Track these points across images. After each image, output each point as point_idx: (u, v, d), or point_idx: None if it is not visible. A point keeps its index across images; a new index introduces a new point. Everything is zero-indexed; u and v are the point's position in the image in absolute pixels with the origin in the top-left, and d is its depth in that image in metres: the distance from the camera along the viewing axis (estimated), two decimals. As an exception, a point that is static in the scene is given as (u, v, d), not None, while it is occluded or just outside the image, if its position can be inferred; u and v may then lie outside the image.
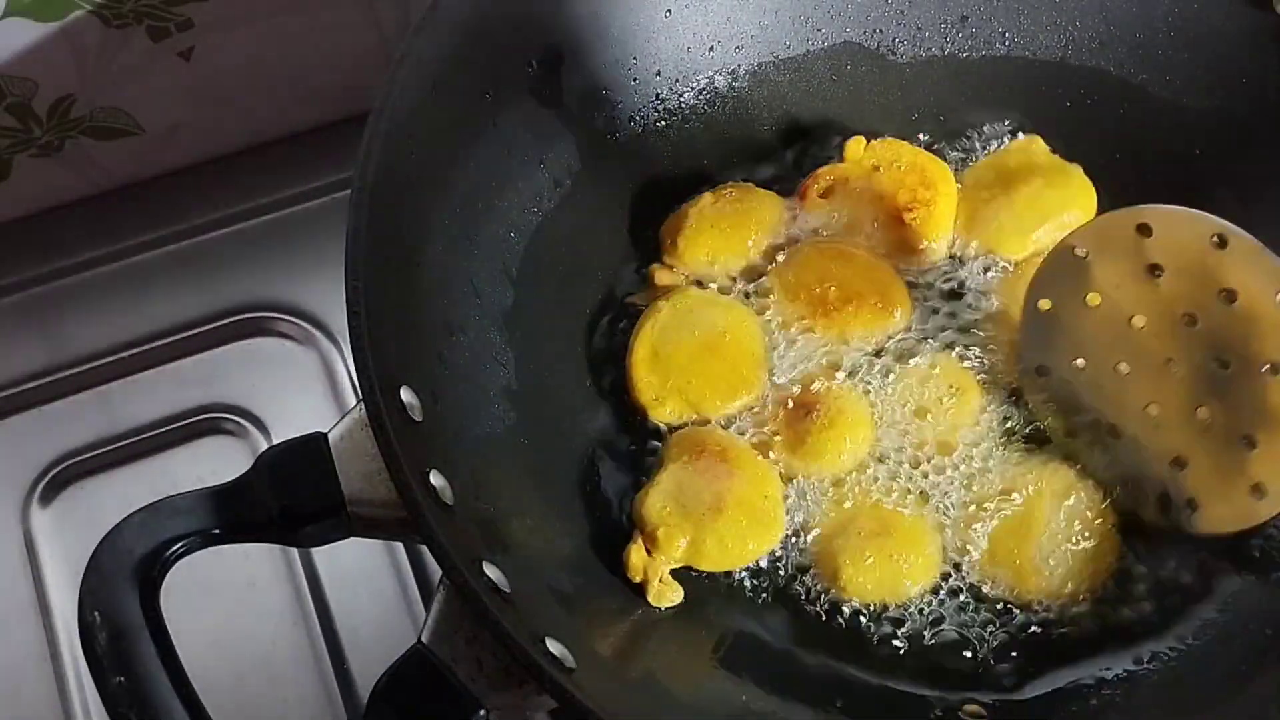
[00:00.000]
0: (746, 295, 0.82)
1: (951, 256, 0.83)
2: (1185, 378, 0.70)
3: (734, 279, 0.82)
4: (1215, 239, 0.67)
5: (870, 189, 0.83)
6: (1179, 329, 0.70)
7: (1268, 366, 0.67)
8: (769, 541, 0.74)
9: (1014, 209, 0.82)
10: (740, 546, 0.73)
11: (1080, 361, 0.74)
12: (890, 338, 0.80)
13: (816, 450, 0.75)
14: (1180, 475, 0.72)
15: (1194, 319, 0.69)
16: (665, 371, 0.78)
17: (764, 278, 0.82)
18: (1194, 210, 0.68)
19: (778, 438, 0.76)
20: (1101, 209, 0.83)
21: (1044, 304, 0.75)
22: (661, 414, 0.78)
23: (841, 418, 0.76)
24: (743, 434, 0.77)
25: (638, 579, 0.72)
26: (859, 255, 0.82)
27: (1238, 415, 0.69)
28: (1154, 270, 0.70)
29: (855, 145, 0.84)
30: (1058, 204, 0.82)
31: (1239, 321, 0.68)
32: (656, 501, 0.73)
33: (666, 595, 0.72)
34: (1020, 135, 0.86)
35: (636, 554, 0.72)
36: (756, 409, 0.78)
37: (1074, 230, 0.74)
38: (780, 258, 0.82)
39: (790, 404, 0.77)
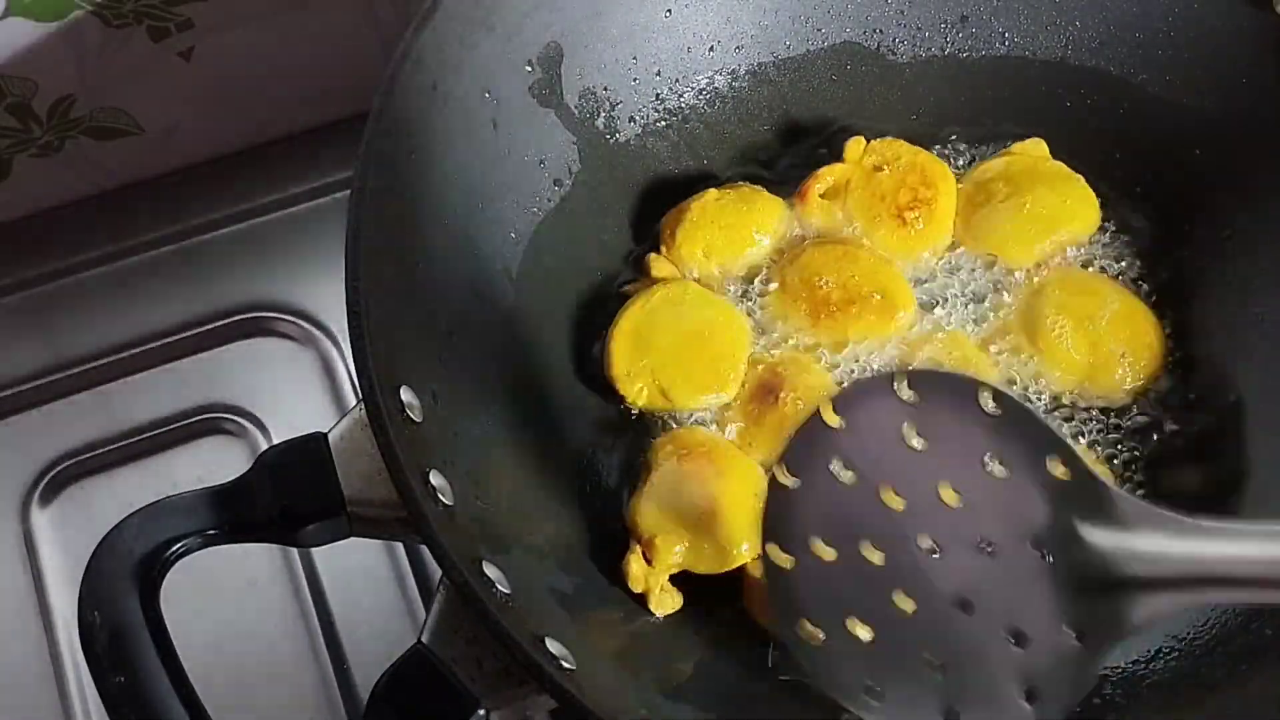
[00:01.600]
0: (745, 294, 0.82)
1: (952, 249, 0.83)
2: (948, 564, 0.60)
3: (729, 277, 0.82)
4: (984, 404, 0.58)
5: (871, 189, 0.83)
6: (942, 508, 0.60)
7: (1036, 545, 0.58)
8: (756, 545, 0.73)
9: (1018, 217, 0.81)
10: (735, 548, 0.72)
11: (828, 547, 0.63)
12: (891, 341, 0.79)
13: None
14: (941, 681, 0.61)
15: (959, 494, 0.59)
16: (643, 351, 0.78)
17: (765, 274, 0.82)
18: (959, 373, 0.64)
19: (753, 434, 0.76)
20: (1102, 209, 0.83)
21: (790, 480, 0.63)
22: (630, 390, 0.78)
23: (811, 395, 0.75)
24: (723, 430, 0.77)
25: (639, 589, 0.72)
26: (863, 255, 0.81)
27: (1005, 605, 0.59)
28: (916, 440, 0.60)
29: (855, 145, 0.84)
30: (1064, 216, 0.82)
31: (1008, 498, 0.58)
32: (650, 509, 0.73)
33: (667, 603, 0.72)
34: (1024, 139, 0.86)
35: (636, 564, 0.72)
36: (728, 409, 0.78)
37: (827, 396, 0.63)
38: (773, 285, 0.82)
39: (757, 394, 0.77)
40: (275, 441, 0.78)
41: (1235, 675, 0.70)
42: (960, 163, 0.87)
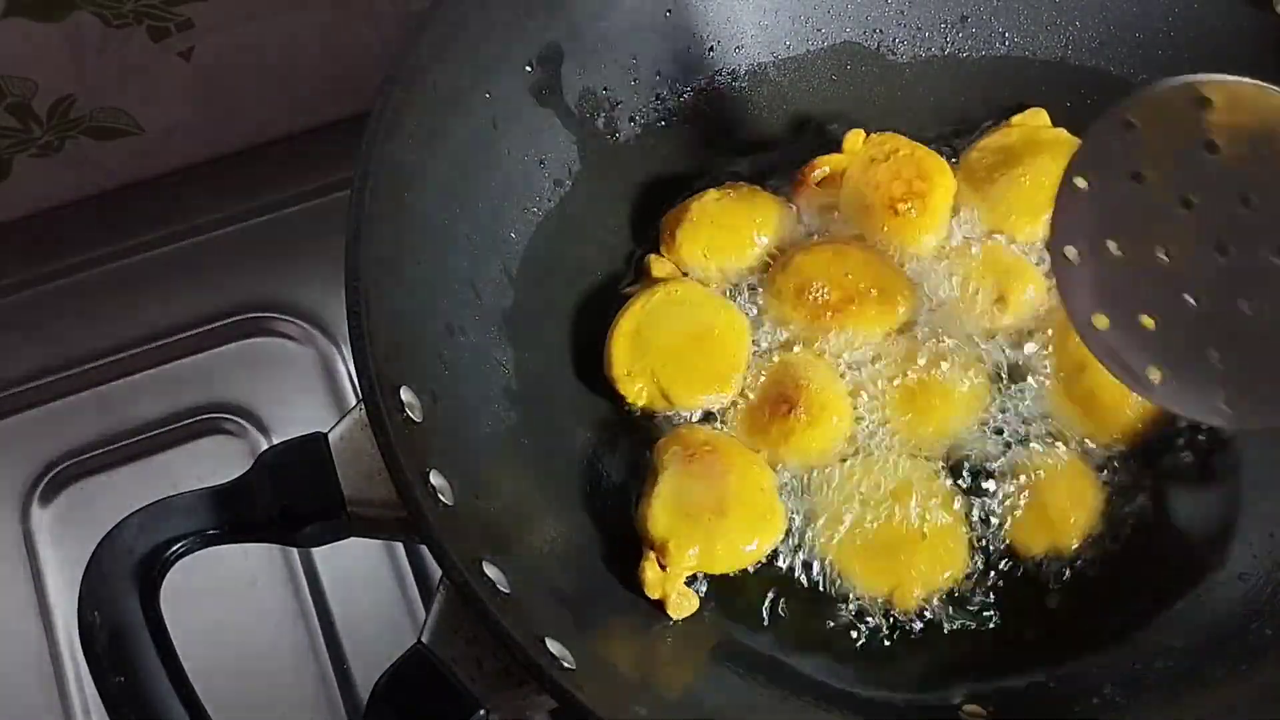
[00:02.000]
0: (745, 294, 0.82)
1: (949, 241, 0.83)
2: (1232, 264, 0.64)
3: (729, 277, 0.82)
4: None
5: (867, 179, 0.83)
6: (1233, 210, 0.63)
7: None
8: (774, 534, 0.74)
9: (1022, 189, 0.81)
10: (747, 545, 0.72)
11: (1115, 245, 0.67)
12: (892, 333, 0.79)
13: (800, 447, 0.75)
14: (1217, 367, 0.66)
15: (1250, 201, 0.63)
16: (643, 350, 0.78)
17: (760, 278, 0.82)
18: (1262, 84, 0.62)
19: (757, 439, 0.76)
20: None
21: (1080, 182, 0.67)
22: (630, 390, 0.78)
23: (824, 413, 0.76)
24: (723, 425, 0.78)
25: (656, 595, 0.72)
26: (853, 252, 0.81)
27: None
28: (1210, 147, 0.63)
29: (854, 137, 0.85)
30: None
31: None
32: (660, 514, 0.73)
33: (684, 606, 0.72)
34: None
35: (651, 570, 0.72)
36: (731, 406, 0.78)
37: (1121, 100, 0.67)
38: (775, 284, 0.81)
39: (770, 399, 0.77)
40: (275, 441, 0.78)
41: (1235, 675, 0.70)
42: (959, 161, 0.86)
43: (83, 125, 0.96)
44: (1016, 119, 0.85)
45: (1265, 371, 0.65)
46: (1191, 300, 0.66)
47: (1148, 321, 0.67)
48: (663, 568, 0.72)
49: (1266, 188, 0.63)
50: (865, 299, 0.79)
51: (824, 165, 0.84)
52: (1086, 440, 0.76)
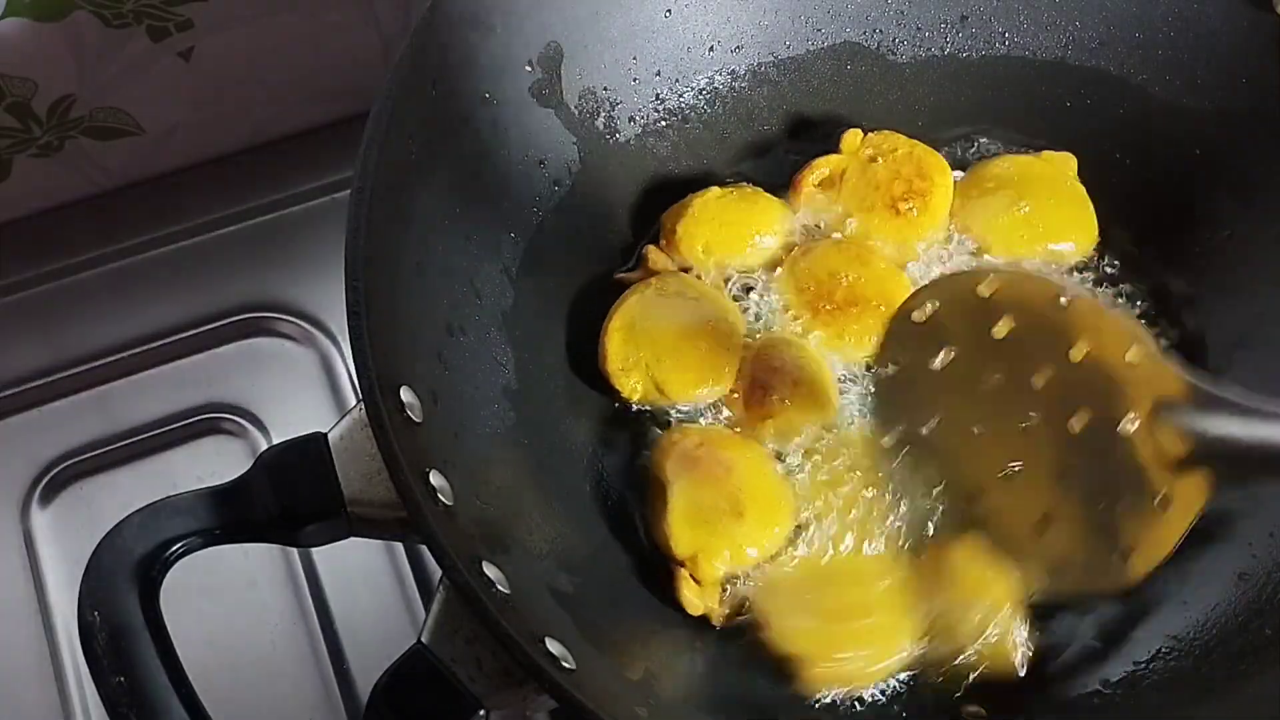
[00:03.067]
0: (742, 292, 0.82)
1: (946, 242, 0.83)
2: (1042, 439, 0.66)
3: (727, 275, 0.82)
4: (1060, 299, 0.65)
5: (866, 179, 0.83)
6: (1031, 390, 0.66)
7: (1128, 420, 0.63)
8: (791, 517, 0.74)
9: (1015, 214, 0.82)
10: (769, 537, 0.72)
11: (932, 424, 0.70)
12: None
13: (785, 429, 0.76)
14: (1046, 539, 0.67)
15: (1045, 379, 0.66)
16: (638, 344, 0.78)
17: (764, 276, 0.82)
18: (1036, 272, 0.68)
19: (752, 429, 0.77)
20: (1100, 210, 0.83)
21: (888, 369, 0.72)
22: (625, 384, 0.78)
23: (800, 389, 0.76)
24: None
25: (698, 613, 0.72)
26: (876, 260, 0.81)
27: (1096, 476, 0.65)
28: (1001, 330, 0.67)
29: (852, 137, 0.85)
30: (1057, 228, 0.82)
31: (1092, 380, 0.64)
32: (681, 531, 0.72)
33: (725, 613, 0.72)
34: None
35: (689, 589, 0.72)
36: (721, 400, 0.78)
37: (914, 293, 0.72)
38: (778, 267, 0.82)
39: (749, 385, 0.77)
40: (275, 441, 0.78)
41: (1235, 675, 0.70)
42: (959, 160, 0.86)
43: (83, 125, 0.96)
44: (1049, 154, 0.84)
45: (1089, 541, 0.66)
46: (1009, 475, 0.68)
47: (973, 497, 0.70)
48: (696, 582, 0.72)
49: (1053, 365, 0.65)
50: (868, 308, 0.79)
51: (823, 166, 0.84)
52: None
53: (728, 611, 0.72)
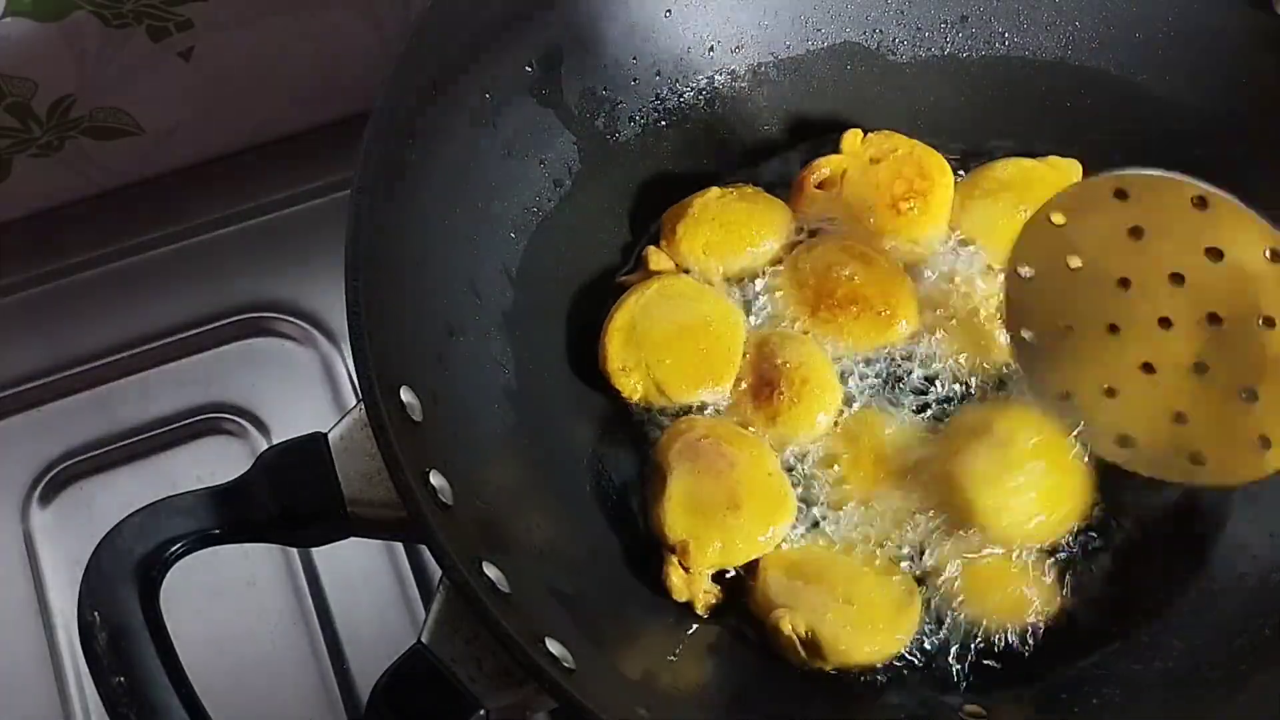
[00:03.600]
0: (742, 292, 0.82)
1: (946, 241, 0.83)
2: (1179, 335, 0.70)
3: (727, 275, 0.82)
4: (1196, 200, 0.66)
5: (867, 179, 0.83)
6: (1168, 288, 0.69)
7: (1262, 319, 0.67)
8: (787, 519, 0.74)
9: (1015, 217, 0.81)
10: (764, 534, 0.73)
11: (1069, 325, 0.73)
12: (885, 349, 0.79)
13: (791, 425, 0.76)
14: (1183, 430, 0.71)
15: (1182, 278, 0.68)
16: (638, 345, 0.78)
17: (768, 276, 0.82)
18: (1171, 173, 0.67)
19: (752, 416, 0.77)
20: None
21: (1026, 271, 0.74)
22: (626, 385, 0.78)
23: (806, 387, 0.76)
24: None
25: (684, 599, 0.72)
26: (881, 262, 0.81)
27: (1236, 369, 0.68)
28: (1136, 233, 0.69)
29: (852, 137, 0.85)
30: None
31: (1228, 279, 0.67)
32: (676, 517, 0.73)
33: (711, 602, 0.72)
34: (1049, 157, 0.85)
35: (676, 575, 0.72)
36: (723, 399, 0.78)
37: (1050, 198, 0.72)
38: (779, 267, 0.82)
39: (755, 382, 0.77)
40: (275, 441, 0.78)
41: (1235, 675, 0.70)
42: (959, 162, 0.86)
43: (82, 125, 0.96)
44: (1055, 159, 0.84)
45: (1228, 432, 0.69)
46: (1146, 370, 0.71)
47: (1110, 393, 0.73)
48: (685, 569, 0.72)
49: (1189, 264, 0.68)
50: (868, 309, 0.79)
51: (824, 167, 0.84)
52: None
53: (713, 601, 0.72)
